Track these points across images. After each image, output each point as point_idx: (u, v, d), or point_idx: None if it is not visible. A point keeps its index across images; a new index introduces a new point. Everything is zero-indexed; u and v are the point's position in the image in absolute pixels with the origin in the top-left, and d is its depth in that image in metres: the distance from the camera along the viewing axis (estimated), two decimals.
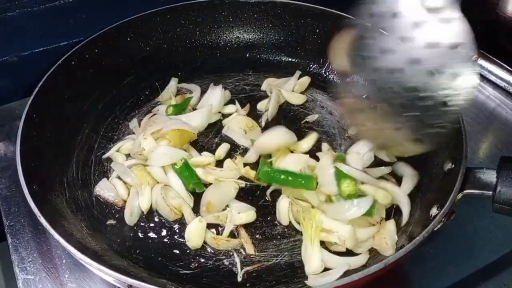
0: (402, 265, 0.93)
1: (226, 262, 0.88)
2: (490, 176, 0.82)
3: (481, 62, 1.39)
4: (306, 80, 1.25)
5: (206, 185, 0.98)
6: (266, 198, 0.98)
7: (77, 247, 0.75)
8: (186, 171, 0.98)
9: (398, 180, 0.98)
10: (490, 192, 0.80)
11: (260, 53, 1.33)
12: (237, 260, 0.88)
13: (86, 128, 1.10)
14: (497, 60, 1.38)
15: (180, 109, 1.12)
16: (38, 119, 0.97)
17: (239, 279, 0.85)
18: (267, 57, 1.33)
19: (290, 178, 0.93)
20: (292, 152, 1.03)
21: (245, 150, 1.07)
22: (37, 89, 0.99)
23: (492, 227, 0.99)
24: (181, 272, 0.87)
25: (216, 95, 1.16)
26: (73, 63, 1.09)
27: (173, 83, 1.23)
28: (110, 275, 0.72)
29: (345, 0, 1.39)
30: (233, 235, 0.92)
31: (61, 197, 0.93)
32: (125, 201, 0.96)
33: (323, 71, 1.29)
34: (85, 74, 1.13)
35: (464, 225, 0.99)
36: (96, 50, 1.15)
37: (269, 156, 1.01)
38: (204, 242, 0.91)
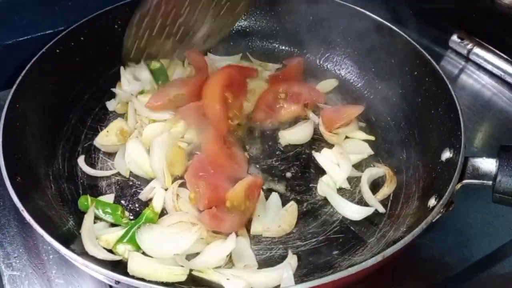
0: (399, 256, 0.91)
1: None
2: (489, 165, 0.80)
3: (477, 50, 1.37)
4: None
5: None
6: None
7: (62, 242, 0.72)
8: None
9: None
10: (490, 182, 0.78)
11: (253, 41, 1.31)
12: None
13: (72, 118, 1.07)
14: (493, 49, 1.35)
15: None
16: (21, 110, 0.93)
17: None
18: (261, 45, 1.31)
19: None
20: None
21: None
22: (19, 78, 0.95)
23: (490, 218, 0.98)
24: None
25: None
26: (57, 51, 1.05)
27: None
28: (96, 271, 0.69)
29: None
30: None
31: (47, 190, 0.90)
32: None
33: (317, 59, 1.26)
34: (70, 63, 1.09)
35: (462, 215, 0.97)
36: (82, 38, 1.11)
37: None
38: None
